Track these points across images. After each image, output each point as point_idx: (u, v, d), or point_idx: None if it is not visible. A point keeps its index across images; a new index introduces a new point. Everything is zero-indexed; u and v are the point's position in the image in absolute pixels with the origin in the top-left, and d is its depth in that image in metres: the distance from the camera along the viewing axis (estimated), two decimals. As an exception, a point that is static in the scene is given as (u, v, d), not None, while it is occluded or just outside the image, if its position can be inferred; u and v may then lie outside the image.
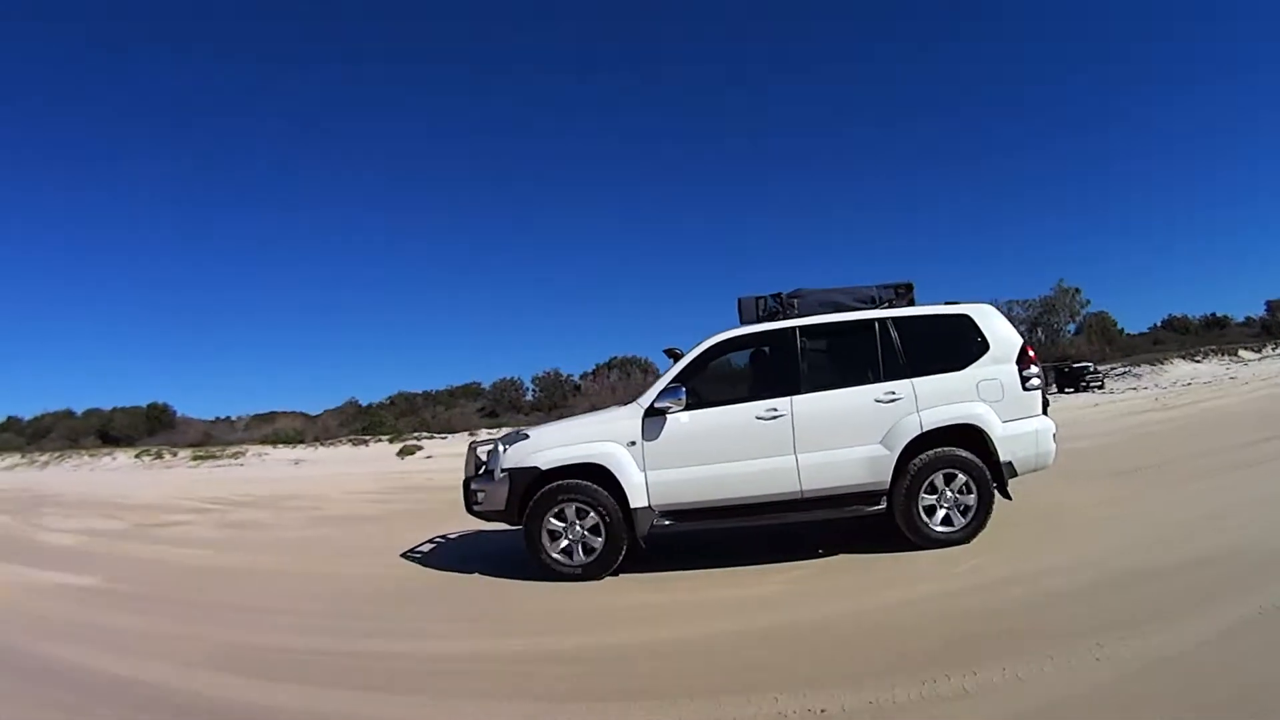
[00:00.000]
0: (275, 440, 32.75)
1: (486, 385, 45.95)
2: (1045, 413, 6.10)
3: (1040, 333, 36.73)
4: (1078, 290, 38.04)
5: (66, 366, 60.76)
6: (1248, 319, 45.70)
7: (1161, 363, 36.53)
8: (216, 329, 62.93)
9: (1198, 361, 35.92)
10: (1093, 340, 39.00)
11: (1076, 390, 31.92)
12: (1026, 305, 37.26)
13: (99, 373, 61.09)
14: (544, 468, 5.68)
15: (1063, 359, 37.78)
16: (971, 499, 5.80)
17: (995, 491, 5.90)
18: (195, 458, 29.48)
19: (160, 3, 57.36)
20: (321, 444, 30.91)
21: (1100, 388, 32.05)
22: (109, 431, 39.33)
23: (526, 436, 5.87)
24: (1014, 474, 5.89)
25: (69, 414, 43.59)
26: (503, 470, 5.71)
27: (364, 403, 43.25)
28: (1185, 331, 44.21)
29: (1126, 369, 35.69)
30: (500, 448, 5.82)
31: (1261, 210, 58.60)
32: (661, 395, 5.75)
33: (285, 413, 43.31)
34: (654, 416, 5.73)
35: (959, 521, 5.81)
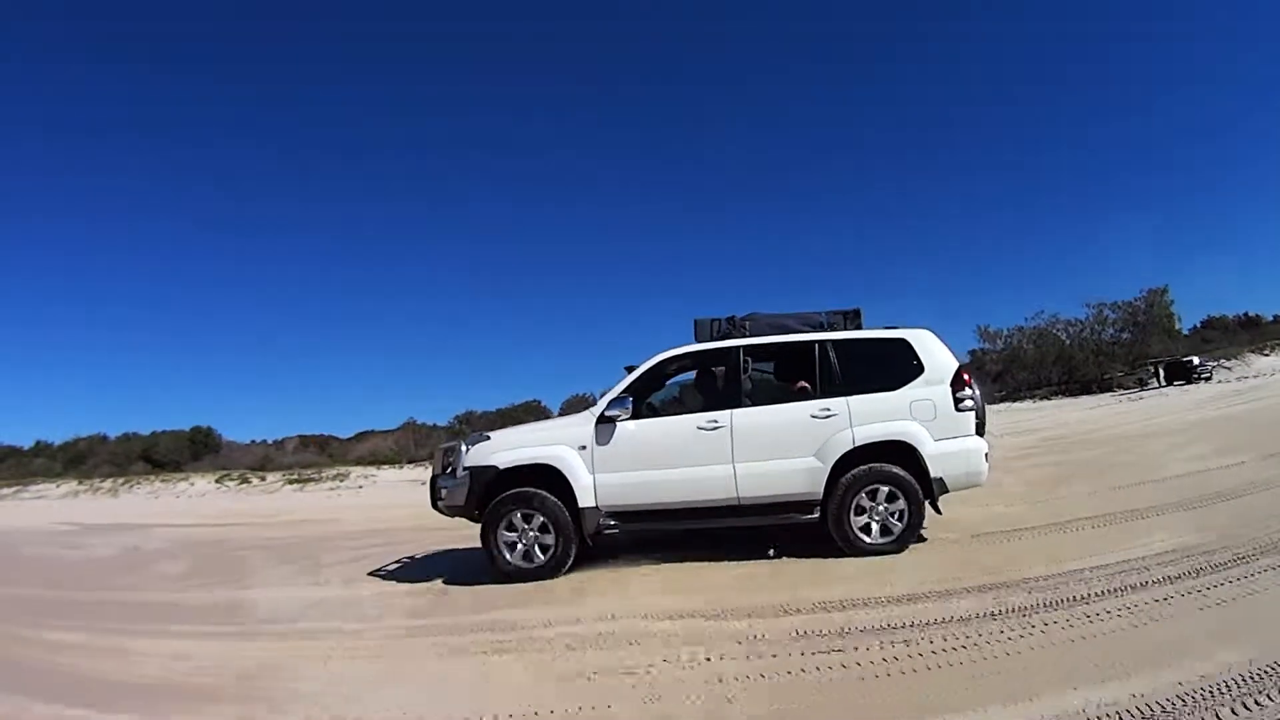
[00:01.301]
0: (375, 461, 31.40)
1: (545, 403, 43.90)
2: (980, 433, 6.38)
3: (1137, 332, 36.06)
4: (1165, 290, 37.13)
5: (70, 391, 61.31)
6: (1276, 317, 46.71)
7: (1238, 357, 36.09)
8: (218, 353, 62.47)
9: (1265, 355, 35.47)
10: (1159, 339, 38.03)
11: (1187, 382, 32.15)
12: (1115, 307, 36.72)
13: (99, 397, 61.80)
14: (501, 467, 6.31)
15: (1146, 357, 37.15)
16: (901, 512, 6.23)
17: (927, 505, 6.33)
18: (290, 481, 26.52)
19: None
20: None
21: (1208, 379, 32.29)
22: (152, 456, 38.10)
23: (488, 438, 6.51)
24: (945, 490, 6.30)
25: (103, 438, 41.52)
26: (464, 469, 6.34)
27: (420, 423, 41.31)
28: (1224, 329, 43.13)
29: (1215, 362, 35.35)
30: (463, 448, 6.46)
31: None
32: (611, 404, 6.31)
33: (335, 437, 42.16)
34: (604, 424, 6.30)
35: (890, 533, 6.24)
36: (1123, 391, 33.54)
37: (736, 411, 6.34)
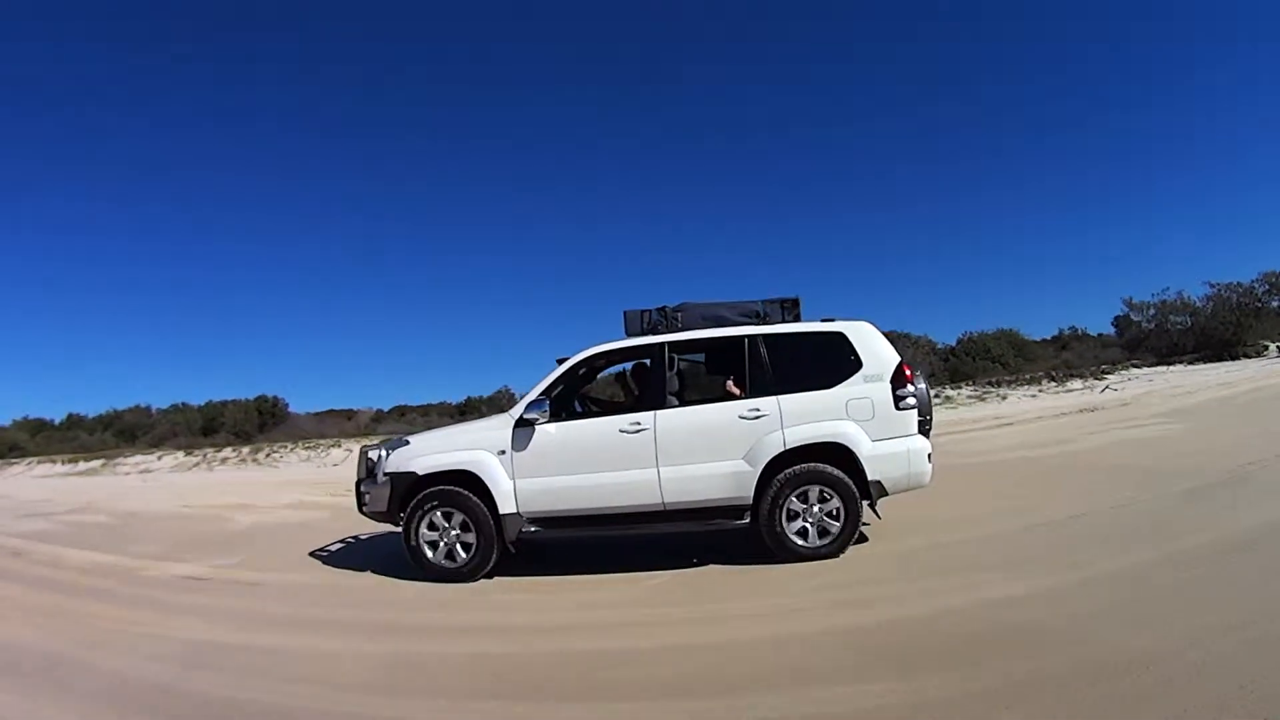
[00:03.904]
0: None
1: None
2: (923, 432, 6.00)
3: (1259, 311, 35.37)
4: None
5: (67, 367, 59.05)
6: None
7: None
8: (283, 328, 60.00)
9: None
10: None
11: None
12: (1232, 288, 35.91)
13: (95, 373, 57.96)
14: (421, 473, 6.31)
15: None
16: (837, 516, 5.98)
17: (865, 509, 6.09)
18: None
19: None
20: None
21: None
22: (219, 427, 35.73)
23: (407, 443, 6.48)
24: (884, 493, 6.09)
25: (146, 410, 38.73)
26: (385, 474, 6.30)
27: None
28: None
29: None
30: (383, 453, 6.39)
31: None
32: (529, 407, 6.17)
33: (414, 406, 39.14)
34: (523, 427, 6.16)
35: (825, 537, 6.02)
36: (1261, 359, 32.66)
37: (661, 413, 6.13)
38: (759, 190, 55.42)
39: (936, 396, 19.39)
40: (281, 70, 53.22)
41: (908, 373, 6.08)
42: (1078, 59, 48.46)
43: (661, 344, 6.31)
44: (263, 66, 53.33)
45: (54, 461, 28.52)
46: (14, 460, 30.84)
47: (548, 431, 6.20)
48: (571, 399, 6.69)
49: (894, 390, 6.00)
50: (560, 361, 6.53)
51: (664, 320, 6.49)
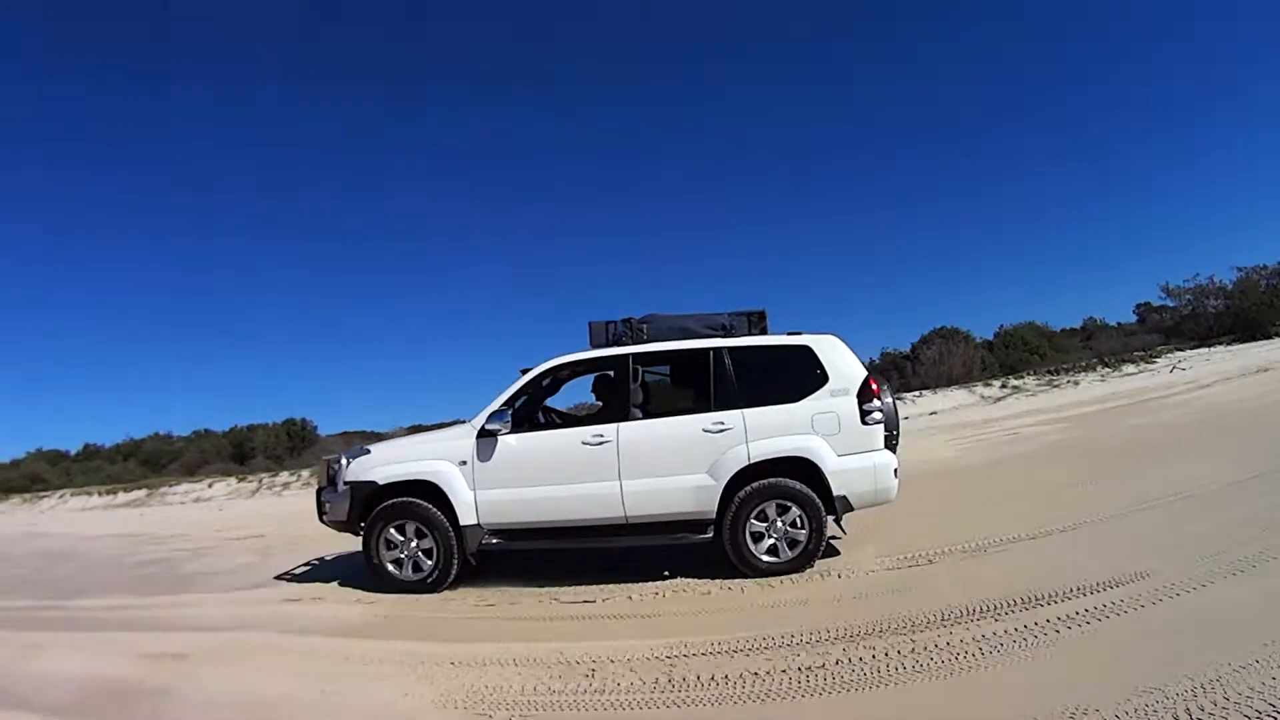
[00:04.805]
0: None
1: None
2: (891, 447, 5.85)
3: None
4: None
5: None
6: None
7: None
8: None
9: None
10: None
11: None
12: (1260, 271, 36.19)
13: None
14: (381, 482, 6.28)
15: None
16: (802, 531, 5.85)
17: (831, 524, 5.96)
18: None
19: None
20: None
21: None
22: (249, 452, 34.49)
23: (368, 452, 6.48)
24: (849, 508, 5.96)
25: (167, 437, 37.06)
26: (345, 483, 6.26)
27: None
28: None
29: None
30: (343, 461, 6.35)
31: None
32: (491, 418, 6.15)
33: (429, 425, 39.59)
34: (485, 438, 6.12)
35: (789, 552, 5.87)
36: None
37: (624, 425, 6.08)
38: (760, 190, 55.80)
39: (1004, 386, 19.46)
40: (283, 82, 52.81)
41: (874, 387, 5.96)
42: (1075, 57, 48.87)
43: (626, 355, 6.27)
44: (270, 78, 53.20)
45: (88, 494, 26.59)
46: (41, 494, 29.23)
47: (509, 443, 6.15)
48: (535, 410, 6.66)
49: (860, 405, 5.88)
50: (524, 372, 6.52)
51: (629, 332, 6.47)
